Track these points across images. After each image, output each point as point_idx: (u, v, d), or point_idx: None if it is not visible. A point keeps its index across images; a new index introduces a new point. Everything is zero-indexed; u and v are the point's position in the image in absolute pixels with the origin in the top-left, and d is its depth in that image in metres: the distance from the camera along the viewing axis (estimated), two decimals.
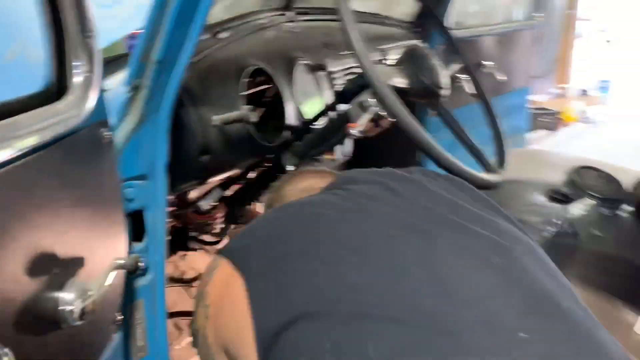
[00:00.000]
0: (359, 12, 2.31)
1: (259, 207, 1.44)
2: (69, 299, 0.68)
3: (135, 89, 0.93)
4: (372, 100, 1.08)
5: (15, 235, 0.60)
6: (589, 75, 6.63)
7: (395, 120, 0.97)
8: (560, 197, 1.59)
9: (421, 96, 1.15)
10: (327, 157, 1.75)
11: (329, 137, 1.22)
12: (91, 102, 0.75)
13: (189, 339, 1.54)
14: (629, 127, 5.34)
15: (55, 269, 0.68)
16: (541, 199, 1.60)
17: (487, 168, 1.18)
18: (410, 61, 1.12)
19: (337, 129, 1.19)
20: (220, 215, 1.32)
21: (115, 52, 1.32)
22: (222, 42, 1.19)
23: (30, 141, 0.62)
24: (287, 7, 1.61)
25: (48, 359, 0.68)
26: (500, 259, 0.72)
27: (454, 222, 0.76)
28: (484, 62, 2.41)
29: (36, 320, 0.65)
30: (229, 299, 0.77)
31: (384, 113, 1.08)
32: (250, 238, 0.81)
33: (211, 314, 0.81)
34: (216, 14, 1.26)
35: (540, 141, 4.92)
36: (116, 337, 0.94)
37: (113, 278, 0.77)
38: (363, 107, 1.10)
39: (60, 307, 0.67)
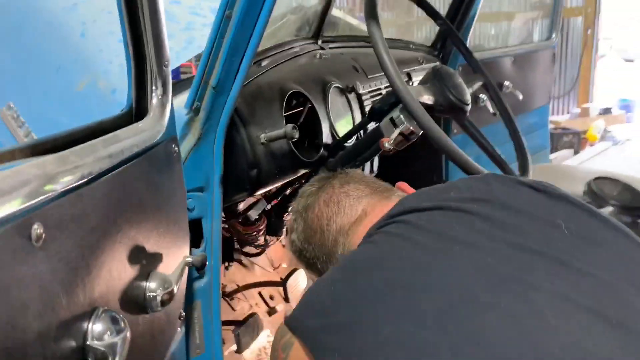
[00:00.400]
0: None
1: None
2: (153, 287, 0.80)
3: (195, 111, 1.07)
4: (402, 116, 1.20)
5: (114, 230, 0.72)
6: (611, 94, 6.68)
7: (426, 132, 1.09)
8: None
9: (447, 111, 1.26)
10: None
11: (362, 152, 1.34)
12: (165, 121, 0.88)
13: (233, 347, 1.65)
14: None
15: (143, 261, 0.80)
16: None
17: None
18: (437, 79, 1.24)
19: (370, 144, 1.30)
20: (262, 226, 1.44)
21: None
22: (263, 69, 1.33)
23: (124, 153, 0.75)
24: (316, 36, 1.75)
25: (134, 340, 0.80)
26: (616, 312, 0.60)
27: (552, 259, 0.66)
28: (504, 83, 2.53)
29: (129, 306, 0.77)
30: None
31: (413, 127, 1.20)
32: (323, 317, 0.77)
33: None
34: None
35: (565, 161, 4.97)
36: (180, 332, 1.05)
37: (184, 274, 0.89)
38: (394, 123, 1.22)
39: (148, 294, 0.79)
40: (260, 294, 1.90)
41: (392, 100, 1.24)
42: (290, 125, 1.14)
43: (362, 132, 1.45)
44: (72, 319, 0.61)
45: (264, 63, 1.35)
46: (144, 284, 0.79)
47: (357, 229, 0.98)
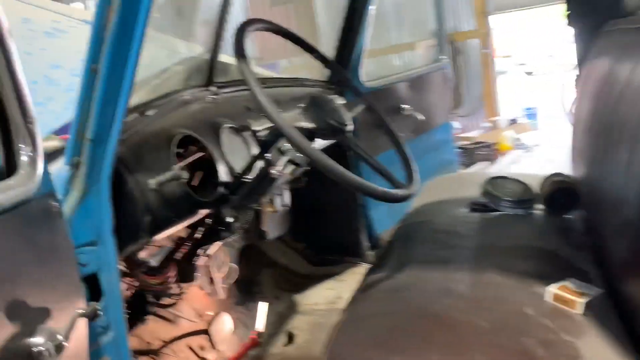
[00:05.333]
0: (278, 78, 2.54)
1: (202, 261, 1.55)
2: (40, 342, 0.79)
3: (75, 165, 1.08)
4: (287, 144, 1.26)
5: None
6: (516, 105, 7.13)
7: (304, 154, 1.14)
8: (480, 207, 1.78)
9: (329, 134, 1.33)
10: (268, 209, 1.91)
11: (258, 186, 1.38)
12: (37, 177, 0.89)
13: None
14: (560, 148, 5.72)
15: (24, 319, 0.79)
16: (464, 211, 1.78)
17: (398, 186, 1.35)
18: (314, 105, 1.31)
19: (264, 176, 1.35)
20: (172, 274, 1.44)
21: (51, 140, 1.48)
22: (149, 119, 1.36)
23: None
24: (208, 84, 1.80)
25: None
26: None
27: None
28: (402, 106, 2.66)
29: None
30: None
31: (298, 153, 1.26)
32: None
33: None
34: (142, 95, 1.44)
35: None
36: None
37: (77, 326, 0.88)
38: (281, 151, 1.27)
39: (33, 348, 0.78)
40: (190, 347, 1.87)
41: (278, 133, 1.30)
42: (177, 166, 1.17)
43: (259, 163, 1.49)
44: None
45: (148, 112, 1.37)
46: (28, 339, 0.78)
47: None
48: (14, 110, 0.86)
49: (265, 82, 1.97)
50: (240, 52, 1.22)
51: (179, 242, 1.47)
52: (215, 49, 1.81)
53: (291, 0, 6.79)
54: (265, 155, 1.35)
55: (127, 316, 1.47)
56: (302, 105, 1.32)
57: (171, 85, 1.62)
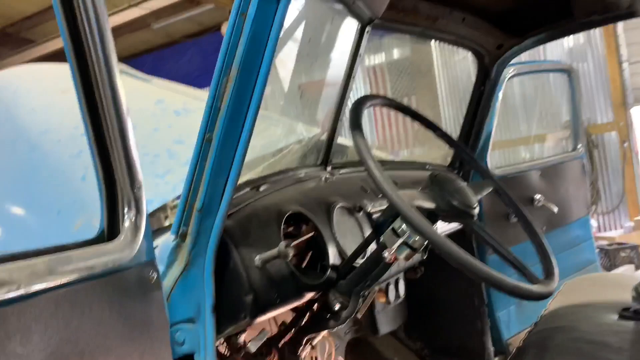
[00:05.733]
0: (396, 161, 2.46)
1: (306, 351, 1.42)
2: None
3: (181, 236, 1.04)
4: (405, 226, 1.13)
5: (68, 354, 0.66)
6: None
7: (423, 236, 1.01)
8: (632, 314, 1.49)
9: (452, 216, 1.19)
10: (380, 299, 1.76)
11: (370, 271, 1.26)
12: (138, 243, 0.85)
13: None
14: None
15: None
16: (612, 318, 1.50)
17: (534, 281, 1.16)
18: (436, 184, 1.19)
19: (376, 261, 1.22)
20: None
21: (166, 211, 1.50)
22: (261, 194, 1.31)
23: (81, 273, 0.71)
24: (324, 163, 1.76)
25: None
26: None
27: None
28: (535, 196, 2.44)
29: None
30: None
31: (416, 236, 1.12)
32: None
33: None
34: (257, 172, 1.41)
35: None
36: None
37: None
38: (396, 234, 1.15)
39: None
40: None
41: (394, 212, 1.18)
42: (283, 243, 1.09)
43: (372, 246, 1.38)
44: None
45: (262, 188, 1.33)
46: None
47: None
48: (122, 174, 0.85)
49: (383, 164, 1.90)
50: (355, 124, 1.15)
51: (281, 327, 1.36)
52: (333, 129, 1.77)
53: (413, 92, 6.86)
54: (380, 238, 1.23)
55: None
56: (423, 185, 1.21)
57: (286, 163, 1.59)
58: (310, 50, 1.84)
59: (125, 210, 0.85)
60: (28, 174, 1.32)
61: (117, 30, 7.25)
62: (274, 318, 1.47)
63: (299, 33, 1.73)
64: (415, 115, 1.45)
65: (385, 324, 2.04)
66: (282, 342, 1.37)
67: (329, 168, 1.74)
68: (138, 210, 0.87)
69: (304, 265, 1.32)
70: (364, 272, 1.27)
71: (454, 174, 2.01)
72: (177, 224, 1.04)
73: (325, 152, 1.78)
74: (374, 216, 1.52)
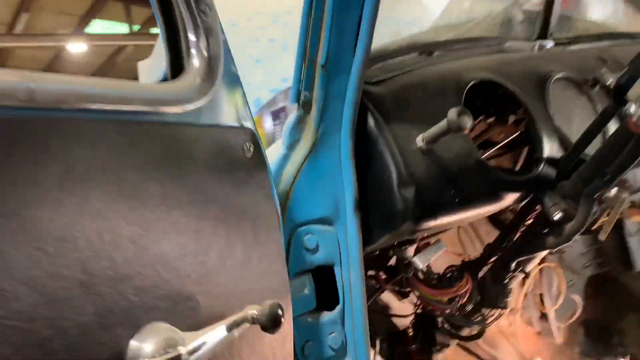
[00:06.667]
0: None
1: (517, 280, 1.02)
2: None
3: (303, 105, 0.75)
4: None
5: None
6: None
7: None
8: None
9: None
10: (635, 218, 1.23)
11: (610, 157, 0.80)
12: (210, 87, 0.59)
13: None
14: None
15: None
16: None
17: None
18: None
19: (623, 136, 0.77)
20: (463, 290, 0.95)
21: None
22: (435, 60, 0.94)
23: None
24: (543, 36, 1.28)
25: None
26: None
27: None
28: None
29: None
30: None
31: None
32: None
33: None
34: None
35: None
36: None
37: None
38: None
39: None
40: None
41: None
42: (454, 110, 0.72)
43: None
44: None
45: (436, 54, 0.96)
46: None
47: None
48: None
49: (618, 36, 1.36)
50: None
51: (496, 244, 0.98)
52: None
53: None
54: (623, 109, 0.77)
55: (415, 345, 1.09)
56: None
57: (479, 32, 1.17)
58: None
59: (192, 38, 0.60)
60: None
61: None
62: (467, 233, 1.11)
63: None
64: None
65: None
66: (481, 267, 1.00)
67: (549, 44, 1.25)
68: (208, 41, 0.60)
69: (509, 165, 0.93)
70: (599, 161, 0.82)
71: None
72: (296, 89, 0.75)
73: (544, 24, 1.31)
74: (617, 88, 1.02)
